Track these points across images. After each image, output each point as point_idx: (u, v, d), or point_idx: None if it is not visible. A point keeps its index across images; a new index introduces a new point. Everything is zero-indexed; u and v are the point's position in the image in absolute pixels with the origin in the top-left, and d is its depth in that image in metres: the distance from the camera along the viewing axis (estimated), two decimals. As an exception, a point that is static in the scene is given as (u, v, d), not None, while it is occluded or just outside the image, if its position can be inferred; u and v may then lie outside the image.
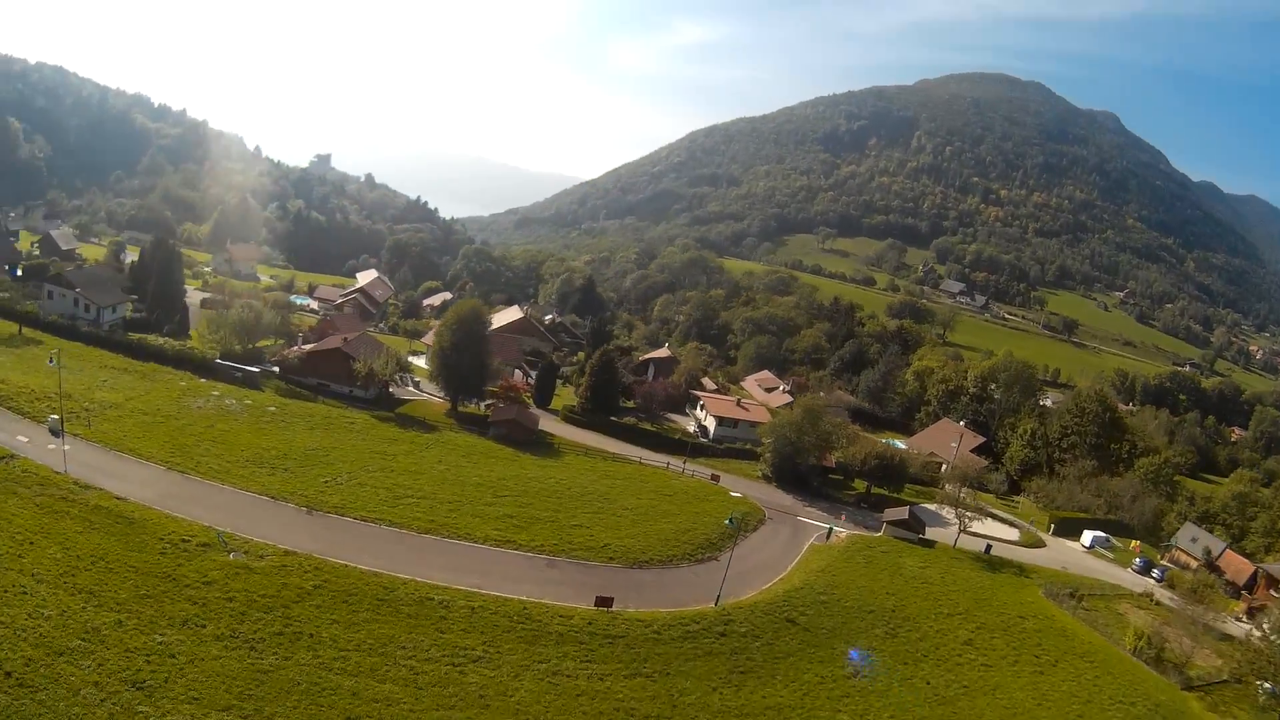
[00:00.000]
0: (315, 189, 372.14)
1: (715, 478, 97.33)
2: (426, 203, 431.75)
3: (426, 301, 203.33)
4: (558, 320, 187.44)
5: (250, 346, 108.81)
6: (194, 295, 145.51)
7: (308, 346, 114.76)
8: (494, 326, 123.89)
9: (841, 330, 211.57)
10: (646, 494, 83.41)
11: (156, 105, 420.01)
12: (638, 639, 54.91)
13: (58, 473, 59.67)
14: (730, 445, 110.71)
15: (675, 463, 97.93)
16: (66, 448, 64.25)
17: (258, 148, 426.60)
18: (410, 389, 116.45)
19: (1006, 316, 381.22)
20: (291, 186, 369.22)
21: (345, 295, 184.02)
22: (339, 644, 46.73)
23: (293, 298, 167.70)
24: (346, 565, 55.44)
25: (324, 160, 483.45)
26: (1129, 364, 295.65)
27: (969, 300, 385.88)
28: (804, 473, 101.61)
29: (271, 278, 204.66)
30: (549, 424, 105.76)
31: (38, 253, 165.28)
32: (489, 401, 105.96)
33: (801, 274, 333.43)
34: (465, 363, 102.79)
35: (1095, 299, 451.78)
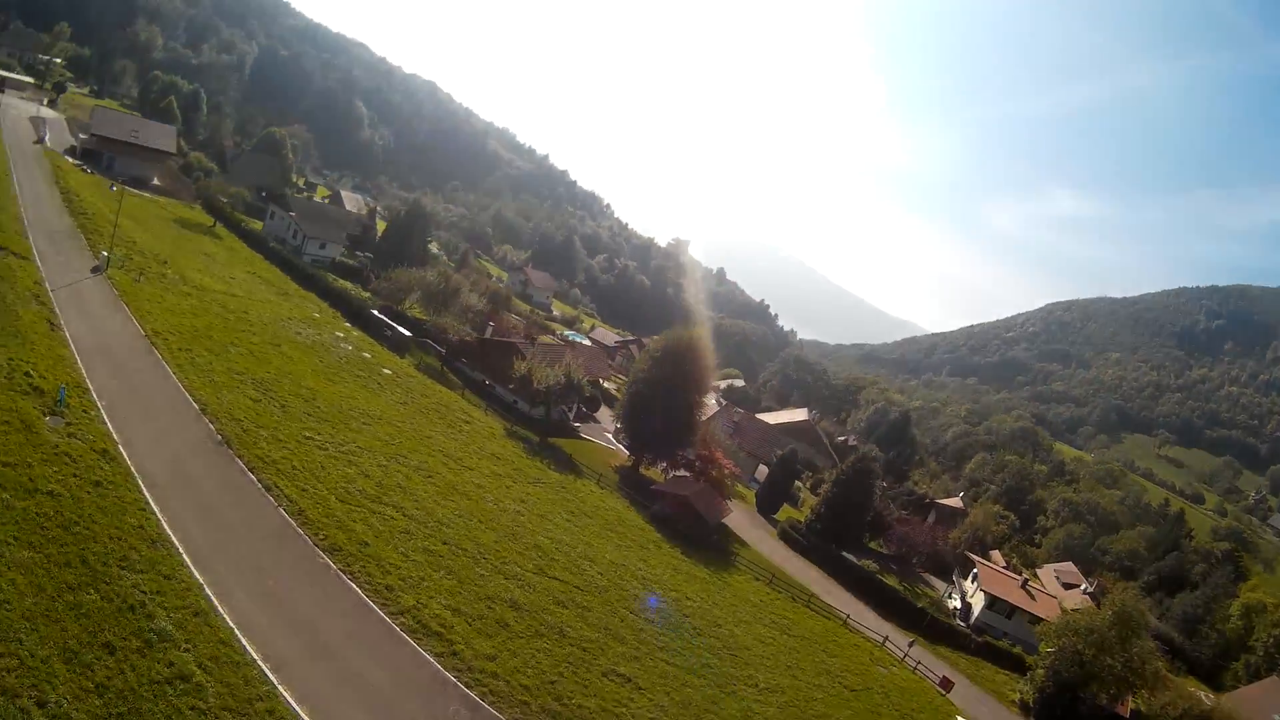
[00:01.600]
0: (653, 258, 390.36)
1: (946, 684, 63.03)
2: (769, 307, 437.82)
3: (714, 383, 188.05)
4: (851, 444, 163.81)
5: (434, 320, 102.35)
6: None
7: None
8: (771, 421, 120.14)
9: (1166, 540, 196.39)
10: (817, 676, 52.28)
11: (516, 140, 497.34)
12: None
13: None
14: (992, 641, 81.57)
15: (899, 641, 65.10)
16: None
17: (609, 205, 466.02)
18: (597, 427, 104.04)
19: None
20: (628, 247, 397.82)
21: (620, 341, 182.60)
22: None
23: (569, 333, 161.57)
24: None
25: (681, 244, 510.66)
26: None
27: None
28: (1084, 717, 65.78)
29: (559, 313, 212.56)
30: (755, 535, 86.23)
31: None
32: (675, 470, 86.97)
33: (1131, 475, 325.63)
34: (662, 408, 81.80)
35: None
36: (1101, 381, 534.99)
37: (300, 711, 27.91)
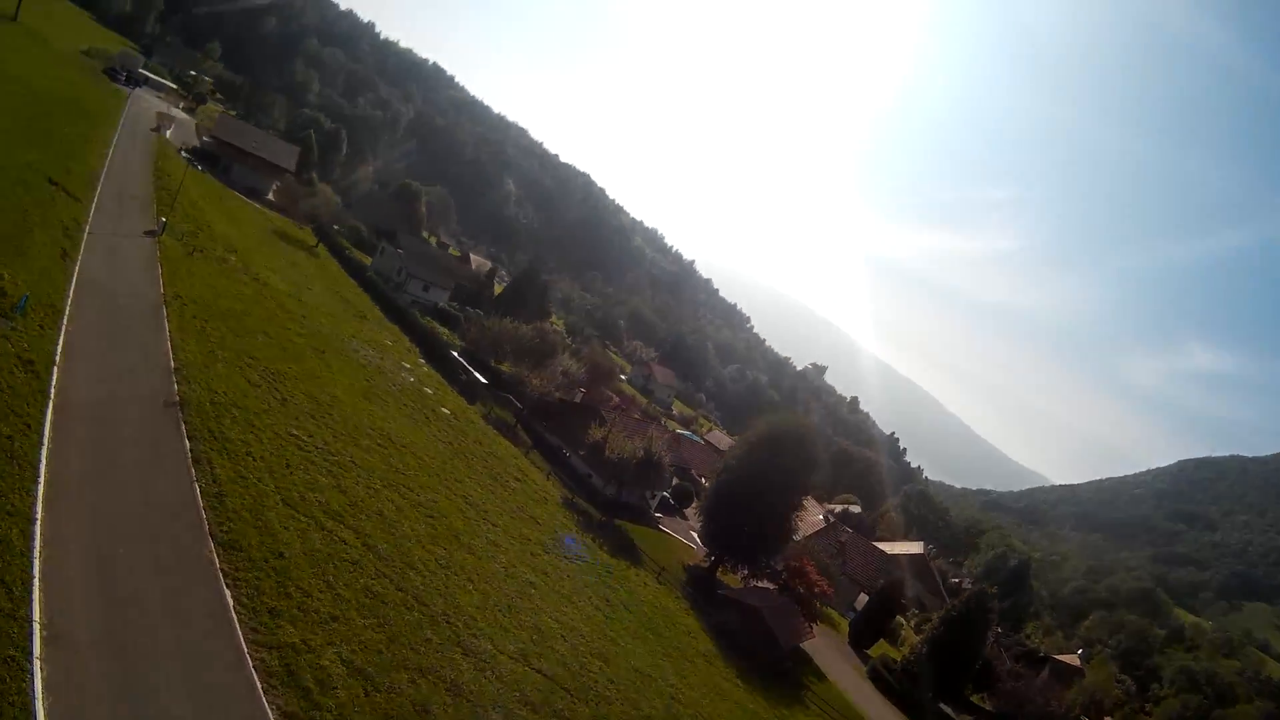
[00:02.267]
0: (786, 377, 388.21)
1: None
2: (899, 440, 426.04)
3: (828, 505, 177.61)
4: (965, 585, 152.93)
5: (517, 372, 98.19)
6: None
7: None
8: (891, 551, 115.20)
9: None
10: None
11: (663, 240, 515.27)
12: None
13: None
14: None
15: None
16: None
17: (749, 319, 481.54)
18: (683, 524, 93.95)
19: None
20: (763, 361, 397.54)
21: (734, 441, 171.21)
22: None
23: (683, 431, 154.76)
24: None
25: (818, 369, 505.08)
26: None
27: None
28: None
29: (678, 412, 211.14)
30: (839, 669, 75.71)
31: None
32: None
33: (1250, 646, 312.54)
34: (753, 503, 71.43)
35: None
36: (1227, 545, 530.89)
37: (38, 694, 20.66)
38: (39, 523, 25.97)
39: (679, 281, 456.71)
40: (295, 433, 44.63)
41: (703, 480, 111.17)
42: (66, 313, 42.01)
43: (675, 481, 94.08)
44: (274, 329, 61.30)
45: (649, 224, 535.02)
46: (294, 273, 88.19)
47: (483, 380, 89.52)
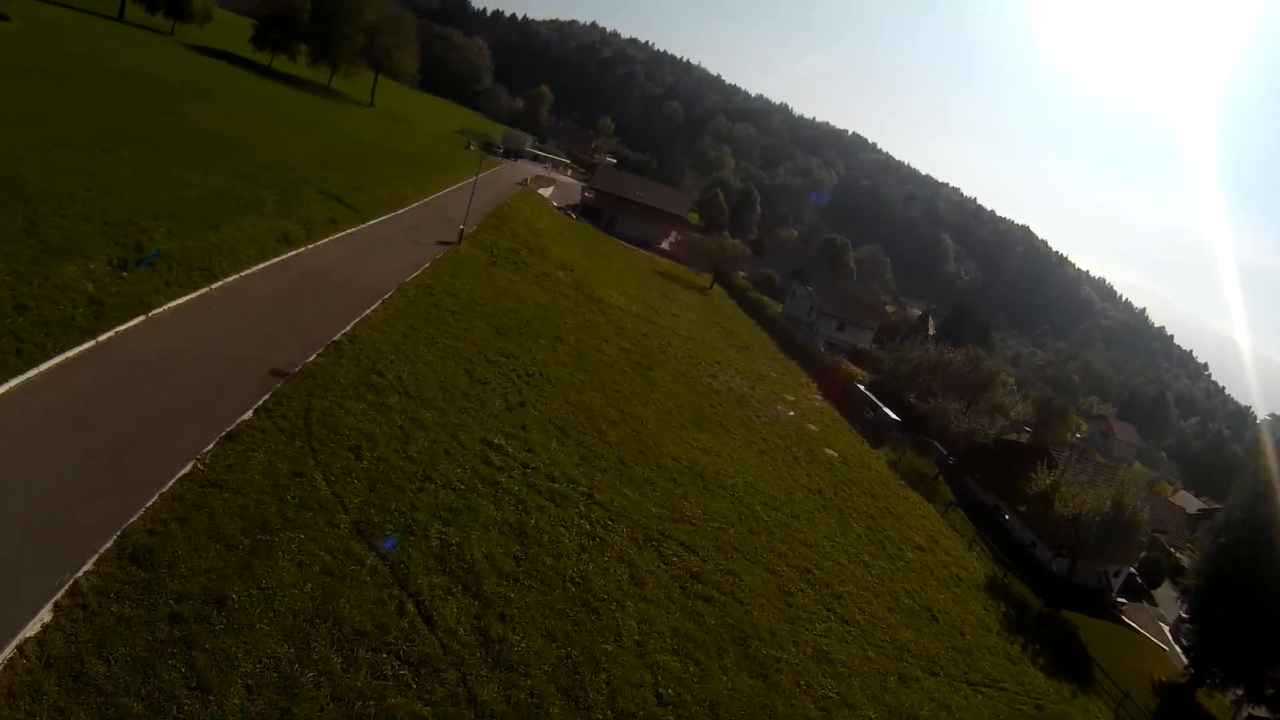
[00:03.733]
0: (1248, 427, 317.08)
1: None
2: None
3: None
4: None
5: (938, 408, 74.18)
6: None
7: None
8: None
9: None
10: None
11: (1110, 288, 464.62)
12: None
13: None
14: None
15: None
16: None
17: (1205, 365, 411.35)
18: (1149, 614, 64.92)
19: None
20: (1222, 412, 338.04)
21: (1203, 509, 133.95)
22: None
23: None
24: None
25: None
26: None
27: None
28: None
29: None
30: None
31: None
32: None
33: None
34: (1259, 588, 41.21)
35: None
36: None
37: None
38: None
39: (1130, 331, 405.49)
40: (493, 439, 27.39)
41: (1176, 554, 79.44)
42: (227, 280, 32.03)
43: (1142, 554, 62.66)
44: (577, 337, 45.09)
45: (1095, 272, 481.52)
46: (660, 301, 73.17)
47: (894, 417, 66.15)
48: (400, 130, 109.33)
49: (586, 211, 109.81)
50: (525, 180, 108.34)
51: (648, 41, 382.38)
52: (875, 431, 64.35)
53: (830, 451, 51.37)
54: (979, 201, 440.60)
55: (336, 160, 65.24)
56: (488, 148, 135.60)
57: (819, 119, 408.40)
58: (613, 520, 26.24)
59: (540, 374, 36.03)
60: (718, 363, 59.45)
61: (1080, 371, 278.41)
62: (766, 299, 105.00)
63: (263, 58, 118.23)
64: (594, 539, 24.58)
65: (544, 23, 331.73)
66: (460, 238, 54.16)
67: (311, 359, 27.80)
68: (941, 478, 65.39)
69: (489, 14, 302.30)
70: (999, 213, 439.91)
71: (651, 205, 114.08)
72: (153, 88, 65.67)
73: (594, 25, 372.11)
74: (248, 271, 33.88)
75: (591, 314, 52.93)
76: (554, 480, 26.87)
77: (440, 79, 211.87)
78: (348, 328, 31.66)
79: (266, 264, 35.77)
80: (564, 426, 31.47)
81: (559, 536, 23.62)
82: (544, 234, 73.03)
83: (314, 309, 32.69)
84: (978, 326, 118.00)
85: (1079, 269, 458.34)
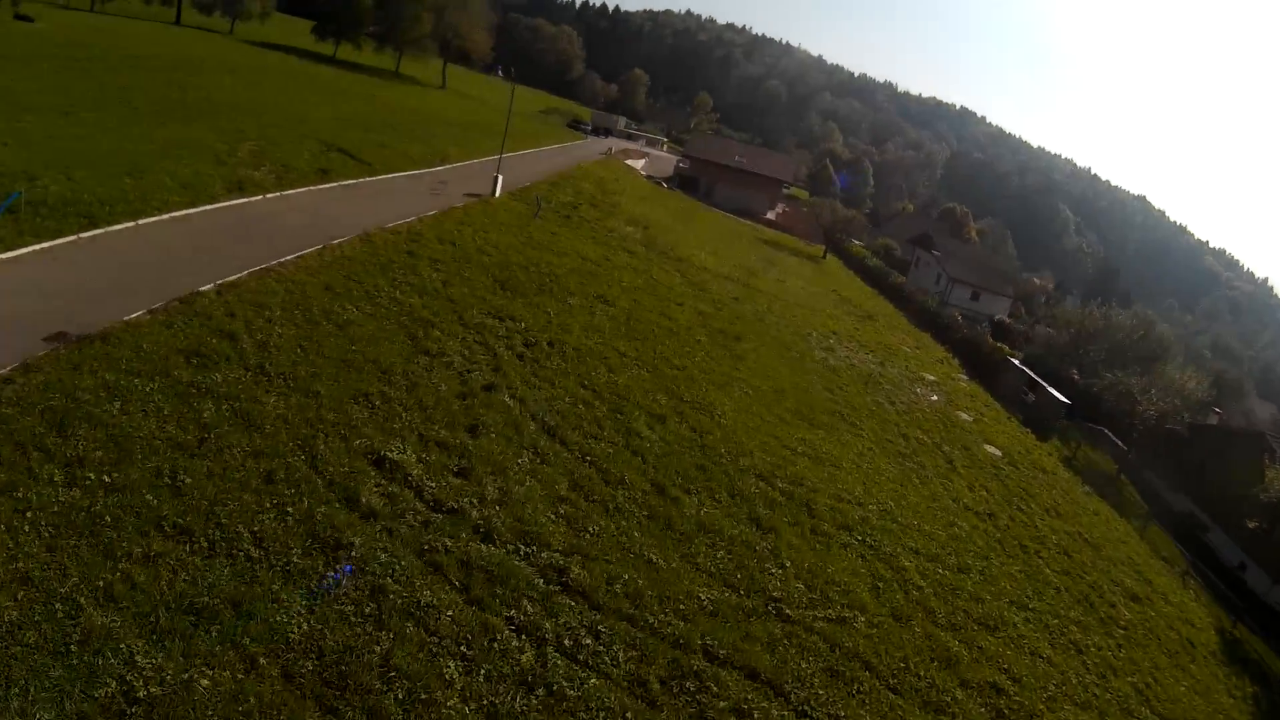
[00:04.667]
0: None
1: None
2: None
3: None
4: None
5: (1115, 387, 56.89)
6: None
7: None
8: None
9: None
10: None
11: (1234, 259, 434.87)
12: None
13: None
14: None
15: None
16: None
17: None
18: None
19: None
20: None
21: None
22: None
23: None
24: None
25: None
26: None
27: None
28: None
29: None
30: None
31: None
32: None
33: None
34: None
35: None
36: None
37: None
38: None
39: (1256, 303, 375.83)
40: (389, 452, 15.08)
41: None
42: (112, 228, 22.80)
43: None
44: (634, 299, 32.68)
45: (1215, 243, 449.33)
46: (761, 265, 59.80)
47: (1063, 399, 51.24)
48: (472, 106, 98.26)
49: (682, 184, 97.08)
50: (609, 149, 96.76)
51: (745, 25, 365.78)
52: (1037, 419, 49.57)
53: (991, 449, 37.45)
54: (1094, 170, 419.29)
55: (369, 122, 54.64)
56: (574, 125, 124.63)
57: (924, 94, 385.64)
58: (601, 647, 12.84)
59: (551, 343, 23.62)
60: (834, 333, 45.79)
61: (1210, 347, 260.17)
62: (888, 268, 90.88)
63: (326, 48, 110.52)
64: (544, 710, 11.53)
65: (636, 13, 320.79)
66: (495, 188, 42.44)
67: (133, 316, 16.64)
68: (1121, 476, 50.01)
69: (578, 5, 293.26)
70: (1113, 182, 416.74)
71: (753, 171, 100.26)
72: (170, 67, 56.50)
73: (688, 13, 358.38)
74: (155, 219, 24.22)
75: (663, 272, 40.15)
76: (490, 538, 14.09)
77: (531, 71, 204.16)
78: (234, 277, 20.32)
79: (190, 211, 25.50)
80: (557, 426, 18.94)
81: None
82: (618, 193, 60.44)
83: (209, 260, 21.48)
84: (1122, 294, 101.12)
85: (1200, 239, 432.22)
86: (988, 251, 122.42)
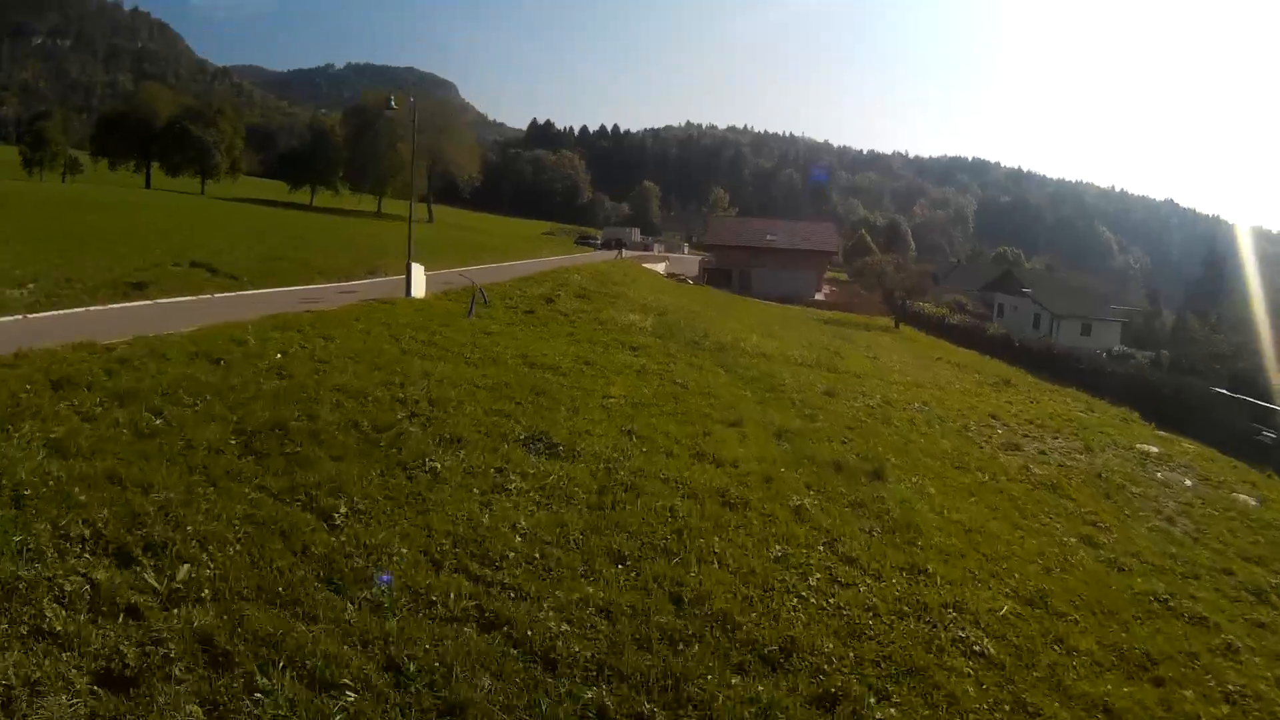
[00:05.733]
0: None
1: None
2: None
3: None
4: None
5: None
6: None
7: None
8: None
9: None
10: None
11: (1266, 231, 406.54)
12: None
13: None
14: None
15: None
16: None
17: None
18: None
19: None
20: None
21: None
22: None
23: None
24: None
25: None
26: None
27: None
28: None
29: None
30: None
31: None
32: None
33: None
34: None
35: None
36: None
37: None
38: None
39: None
40: None
41: None
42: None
43: None
44: (628, 424, 15.05)
45: (1247, 224, 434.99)
46: (839, 344, 43.97)
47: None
48: (457, 235, 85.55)
49: (710, 279, 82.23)
50: (620, 253, 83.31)
51: (746, 125, 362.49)
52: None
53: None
54: (1119, 188, 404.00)
55: (291, 246, 41.14)
56: (582, 241, 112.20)
57: (934, 155, 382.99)
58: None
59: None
60: (992, 416, 28.73)
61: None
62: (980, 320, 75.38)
63: (303, 196, 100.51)
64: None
65: (638, 132, 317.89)
66: (410, 287, 27.61)
67: None
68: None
69: (576, 132, 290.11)
70: (1140, 193, 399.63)
71: (791, 248, 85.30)
72: (80, 208, 46.51)
73: (688, 124, 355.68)
74: None
75: (694, 370, 23.02)
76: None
77: (537, 202, 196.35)
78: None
79: None
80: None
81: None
82: (625, 284, 45.44)
83: None
84: (1211, 295, 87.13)
85: (1230, 225, 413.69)
86: (1084, 277, 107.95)
